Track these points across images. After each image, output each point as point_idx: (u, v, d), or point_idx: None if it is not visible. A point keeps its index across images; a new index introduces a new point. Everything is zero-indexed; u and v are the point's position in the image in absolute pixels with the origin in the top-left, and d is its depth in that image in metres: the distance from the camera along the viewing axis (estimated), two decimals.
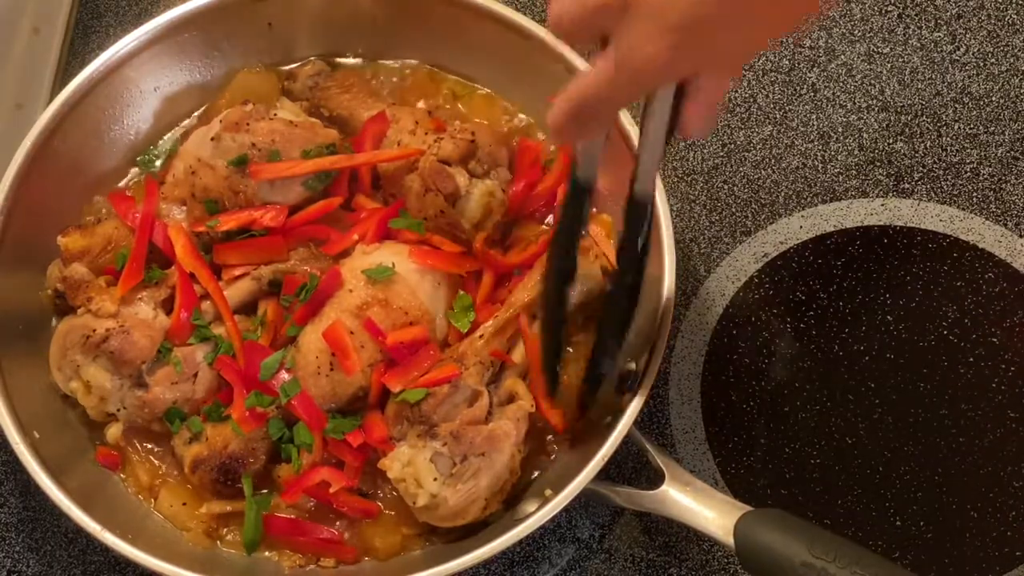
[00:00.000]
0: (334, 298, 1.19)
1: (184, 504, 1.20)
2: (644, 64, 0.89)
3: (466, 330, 1.20)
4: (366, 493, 1.19)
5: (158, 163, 1.31)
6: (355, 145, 1.27)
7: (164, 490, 1.21)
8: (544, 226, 1.27)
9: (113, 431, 1.21)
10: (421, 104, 1.32)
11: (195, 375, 1.20)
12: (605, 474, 1.13)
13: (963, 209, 1.34)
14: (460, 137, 1.24)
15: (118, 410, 1.20)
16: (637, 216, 1.08)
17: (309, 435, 1.17)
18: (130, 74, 1.29)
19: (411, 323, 1.19)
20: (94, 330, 1.18)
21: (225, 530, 1.20)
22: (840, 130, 1.38)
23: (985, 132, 1.37)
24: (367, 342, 1.17)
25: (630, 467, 1.24)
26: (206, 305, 1.22)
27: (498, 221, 1.24)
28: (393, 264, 1.20)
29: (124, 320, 1.19)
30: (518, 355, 1.19)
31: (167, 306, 1.21)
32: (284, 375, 1.18)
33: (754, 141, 1.38)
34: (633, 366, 1.19)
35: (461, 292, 1.22)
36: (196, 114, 1.33)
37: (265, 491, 1.20)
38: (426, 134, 1.25)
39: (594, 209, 1.27)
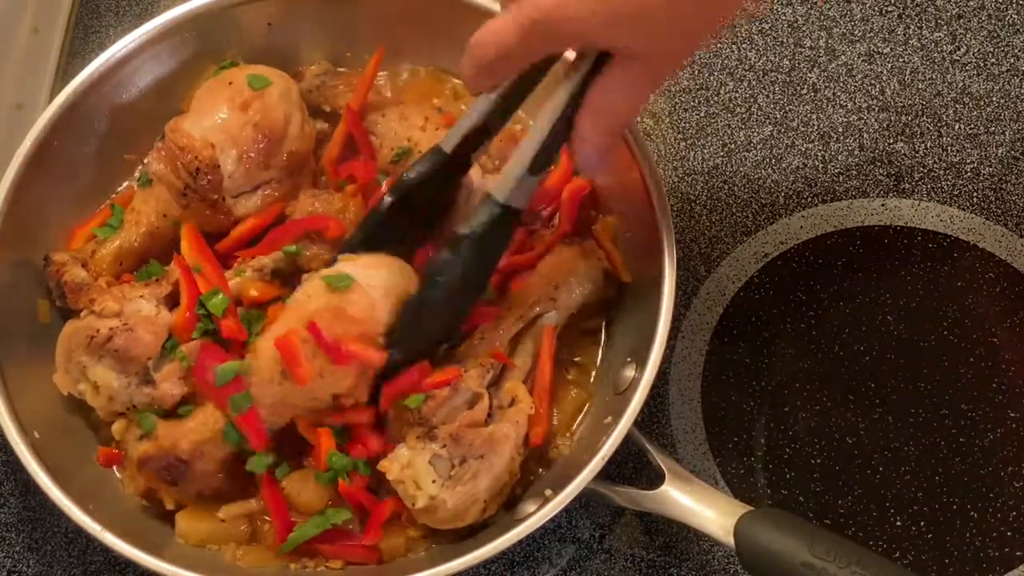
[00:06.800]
0: (294, 304, 1.16)
1: (223, 521, 1.18)
2: (554, 9, 0.87)
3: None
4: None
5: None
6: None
7: (181, 520, 1.18)
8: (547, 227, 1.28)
9: (118, 426, 1.19)
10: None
11: None
12: (605, 474, 1.13)
13: (963, 209, 1.34)
14: None
15: (128, 409, 1.19)
16: (485, 214, 1.09)
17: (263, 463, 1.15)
18: (130, 74, 1.29)
19: (361, 333, 1.14)
20: (98, 330, 1.17)
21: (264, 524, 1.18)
22: (840, 130, 1.38)
23: (985, 132, 1.37)
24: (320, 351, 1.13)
25: (630, 467, 1.24)
26: None
27: None
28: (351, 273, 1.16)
29: (127, 318, 1.18)
30: (519, 358, 1.19)
31: (169, 302, 1.20)
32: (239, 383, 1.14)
33: (754, 141, 1.38)
34: (632, 367, 1.19)
35: None
36: None
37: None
38: (436, 129, 1.25)
39: (594, 212, 1.28)
